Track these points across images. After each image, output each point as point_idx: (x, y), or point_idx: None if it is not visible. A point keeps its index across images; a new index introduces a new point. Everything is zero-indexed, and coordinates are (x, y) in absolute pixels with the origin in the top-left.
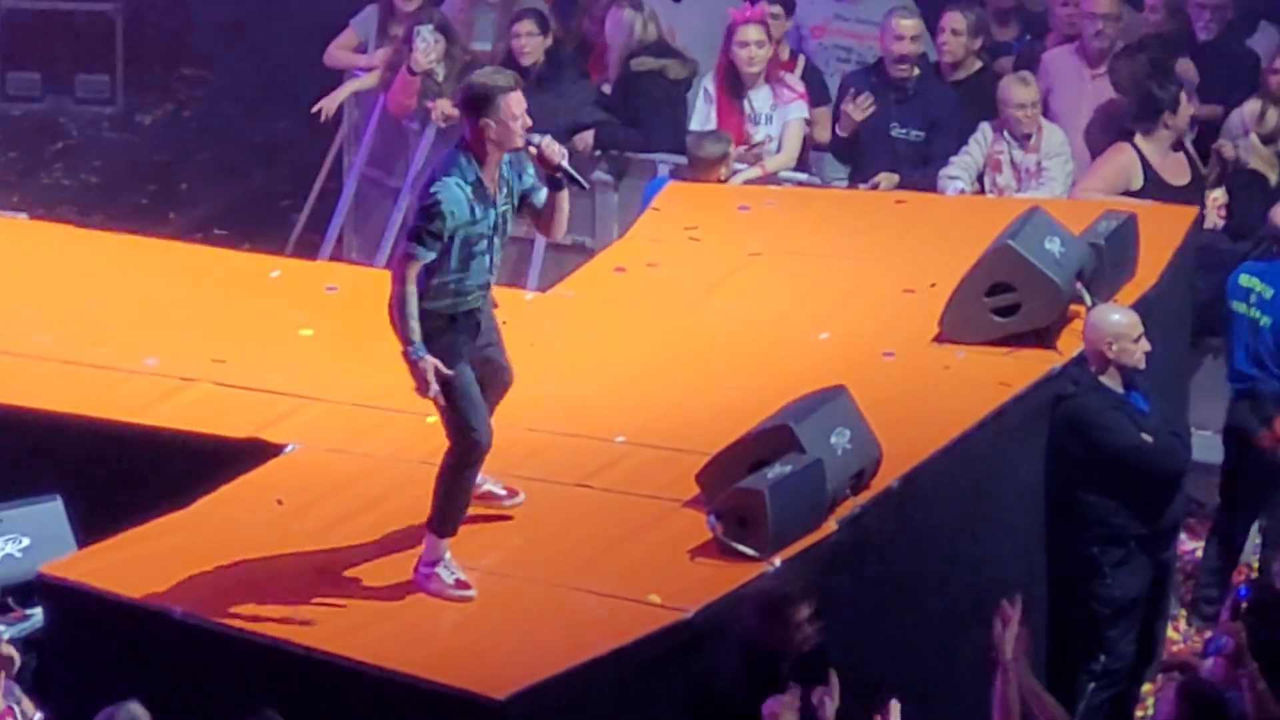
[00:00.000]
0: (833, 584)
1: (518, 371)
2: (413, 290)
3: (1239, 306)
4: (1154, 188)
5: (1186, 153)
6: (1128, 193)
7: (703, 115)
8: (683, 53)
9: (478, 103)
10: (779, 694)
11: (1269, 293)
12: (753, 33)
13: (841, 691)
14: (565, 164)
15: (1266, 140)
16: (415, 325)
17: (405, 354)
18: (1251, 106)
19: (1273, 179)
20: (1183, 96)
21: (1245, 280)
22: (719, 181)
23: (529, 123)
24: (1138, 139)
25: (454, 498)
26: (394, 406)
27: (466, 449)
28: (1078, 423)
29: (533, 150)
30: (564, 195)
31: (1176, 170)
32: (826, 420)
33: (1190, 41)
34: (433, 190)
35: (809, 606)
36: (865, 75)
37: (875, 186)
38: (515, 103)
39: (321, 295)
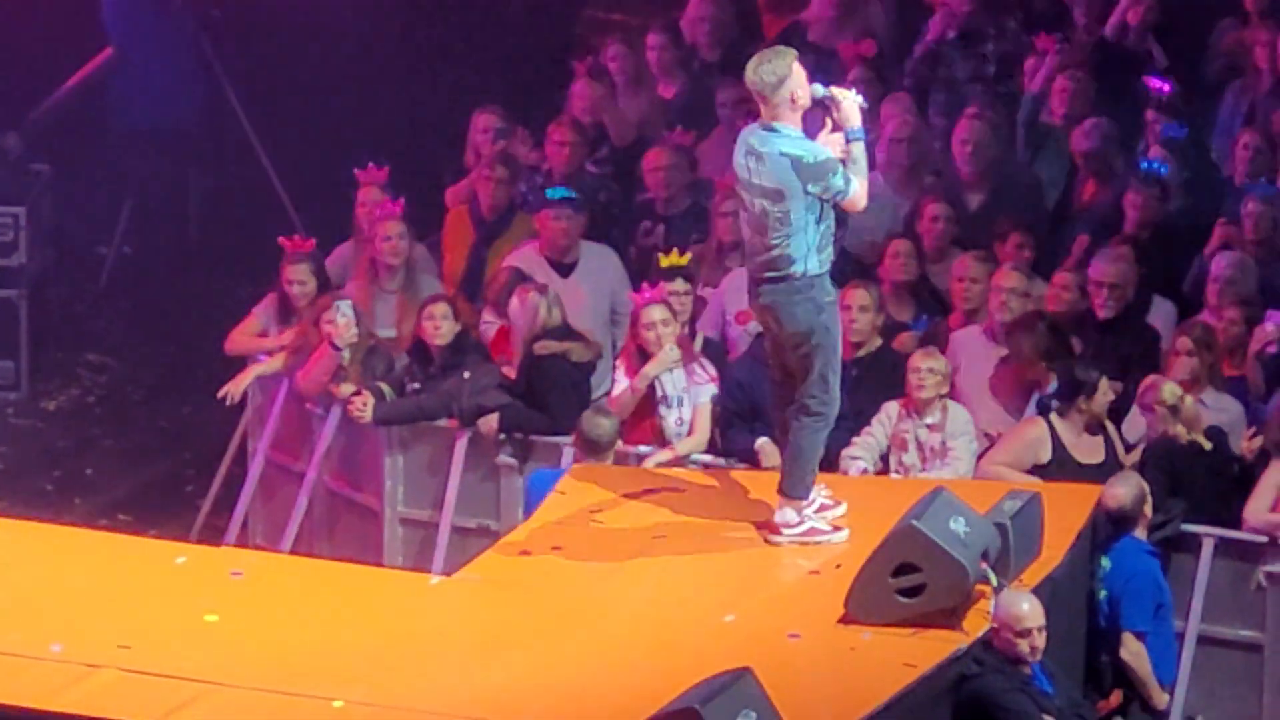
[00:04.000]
0: None
1: (421, 658)
2: None
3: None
4: (1063, 464)
5: (1106, 435)
6: (1036, 466)
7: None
8: (586, 336)
9: None
10: None
11: (1108, 565)
12: (656, 313)
13: None
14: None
15: None
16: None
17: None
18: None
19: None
20: (1103, 383)
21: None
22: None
23: None
24: (1052, 416)
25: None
26: (299, 691)
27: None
28: (981, 703)
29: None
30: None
31: (1089, 450)
32: (732, 702)
33: (1090, 318)
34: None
35: None
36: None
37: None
38: None
39: (227, 581)
